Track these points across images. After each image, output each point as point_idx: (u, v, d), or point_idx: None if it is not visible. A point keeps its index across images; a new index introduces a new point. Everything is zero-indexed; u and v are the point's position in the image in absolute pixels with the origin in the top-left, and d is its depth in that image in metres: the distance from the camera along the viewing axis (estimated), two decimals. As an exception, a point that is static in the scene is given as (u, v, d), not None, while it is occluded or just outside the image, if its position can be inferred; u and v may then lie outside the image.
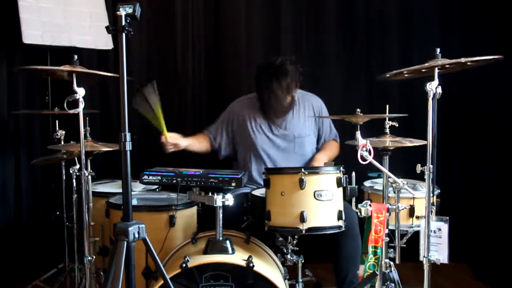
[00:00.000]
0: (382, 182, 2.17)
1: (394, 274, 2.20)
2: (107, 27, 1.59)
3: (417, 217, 2.24)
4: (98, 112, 2.98)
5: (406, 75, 1.95)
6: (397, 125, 2.14)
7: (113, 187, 2.66)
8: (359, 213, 1.91)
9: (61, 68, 2.02)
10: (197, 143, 2.60)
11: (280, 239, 2.13)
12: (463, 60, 1.75)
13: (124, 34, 1.56)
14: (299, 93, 2.67)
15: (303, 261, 2.20)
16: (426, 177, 1.82)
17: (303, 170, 1.87)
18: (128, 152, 1.59)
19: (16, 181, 3.01)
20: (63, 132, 2.41)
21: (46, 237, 3.00)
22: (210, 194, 1.92)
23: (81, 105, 1.96)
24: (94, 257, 2.13)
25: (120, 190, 1.66)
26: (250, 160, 2.61)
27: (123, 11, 1.55)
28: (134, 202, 2.24)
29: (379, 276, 1.96)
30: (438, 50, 1.86)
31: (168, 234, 2.06)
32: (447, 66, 1.81)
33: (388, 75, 1.97)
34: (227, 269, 1.80)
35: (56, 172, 2.75)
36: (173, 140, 2.40)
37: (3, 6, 2.77)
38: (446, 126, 3.11)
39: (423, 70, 1.85)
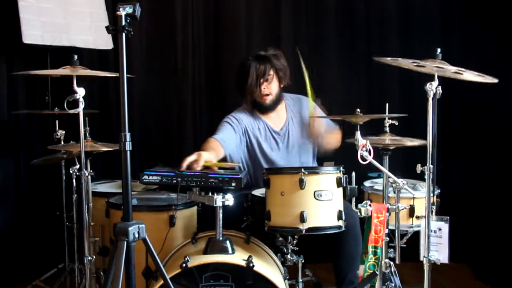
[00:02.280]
0: (382, 182, 2.16)
1: (396, 280, 2.19)
2: (107, 27, 1.59)
3: (417, 217, 2.24)
4: (98, 112, 2.99)
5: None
6: (396, 124, 2.14)
7: (113, 187, 2.66)
8: (359, 213, 1.91)
9: (60, 71, 2.03)
10: (215, 154, 2.21)
11: (280, 239, 2.13)
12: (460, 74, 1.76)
13: (124, 34, 1.56)
14: (289, 99, 2.61)
15: (303, 261, 2.20)
16: (426, 177, 1.82)
17: (303, 170, 1.87)
18: (128, 152, 1.59)
19: (16, 181, 3.02)
20: (63, 132, 2.42)
21: (46, 237, 3.00)
22: (210, 194, 1.91)
23: (81, 105, 1.96)
24: (94, 257, 2.13)
25: (120, 190, 1.66)
26: (253, 169, 2.54)
27: (123, 11, 1.55)
28: (134, 202, 2.24)
29: (379, 276, 1.96)
30: (439, 50, 1.86)
31: (168, 234, 2.06)
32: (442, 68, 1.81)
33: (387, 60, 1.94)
34: (227, 269, 1.80)
35: (56, 172, 2.75)
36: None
37: (3, 6, 2.77)
38: (446, 126, 3.11)
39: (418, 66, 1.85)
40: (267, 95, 2.45)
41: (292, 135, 2.54)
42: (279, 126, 2.55)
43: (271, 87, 2.45)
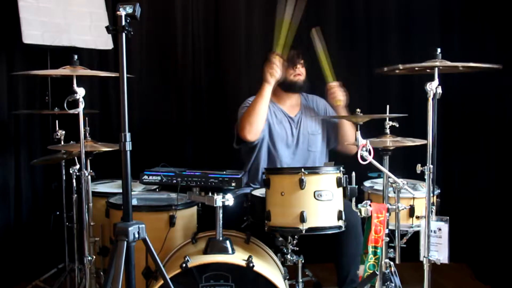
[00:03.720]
0: (382, 182, 2.16)
1: (396, 280, 2.19)
2: (107, 27, 1.59)
3: (417, 217, 2.24)
4: (98, 112, 2.98)
5: (400, 70, 1.96)
6: (397, 125, 2.14)
7: (113, 187, 2.66)
8: (359, 213, 1.91)
9: (60, 71, 2.03)
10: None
11: (280, 239, 2.13)
12: (460, 65, 1.77)
13: (124, 34, 1.56)
14: (304, 94, 2.74)
15: (303, 261, 2.20)
16: (426, 177, 1.82)
17: (303, 170, 1.87)
18: (128, 152, 1.59)
19: (16, 181, 3.01)
20: (63, 132, 2.41)
21: (46, 237, 3.00)
22: (210, 194, 1.92)
23: (81, 105, 1.96)
24: (94, 257, 2.13)
25: (120, 190, 1.66)
26: (262, 158, 2.59)
27: (123, 11, 1.55)
28: (134, 202, 2.24)
29: (379, 276, 1.96)
30: (439, 50, 1.86)
31: (168, 234, 2.06)
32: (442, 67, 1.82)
33: (386, 69, 1.96)
34: (227, 269, 1.80)
35: (56, 172, 2.75)
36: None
37: (3, 6, 2.77)
38: (446, 126, 3.11)
39: (416, 68, 1.86)
40: (299, 75, 2.63)
41: (304, 123, 2.65)
42: (293, 113, 2.67)
43: (302, 70, 2.65)
